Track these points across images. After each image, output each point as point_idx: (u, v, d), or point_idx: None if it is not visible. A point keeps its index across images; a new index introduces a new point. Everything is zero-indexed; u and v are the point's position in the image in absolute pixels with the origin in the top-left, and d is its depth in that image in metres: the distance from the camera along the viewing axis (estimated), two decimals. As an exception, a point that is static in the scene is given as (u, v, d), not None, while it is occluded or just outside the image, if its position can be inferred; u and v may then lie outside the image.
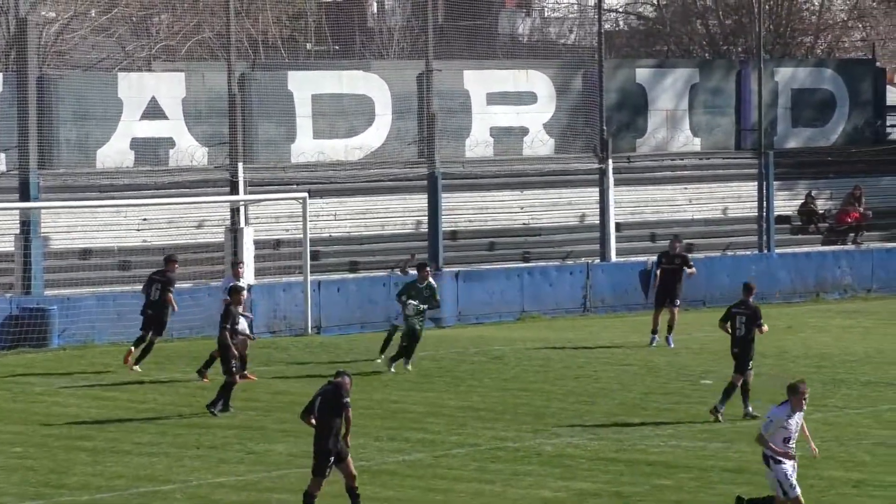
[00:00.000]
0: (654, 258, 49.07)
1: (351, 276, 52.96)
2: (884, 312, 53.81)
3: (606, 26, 68.26)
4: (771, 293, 56.12)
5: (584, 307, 53.21)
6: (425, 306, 42.08)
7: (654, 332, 45.63)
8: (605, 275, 55.72)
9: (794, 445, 24.55)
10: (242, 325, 39.31)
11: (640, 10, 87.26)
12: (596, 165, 56.86)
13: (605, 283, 55.61)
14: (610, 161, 56.88)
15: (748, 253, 59.32)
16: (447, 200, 54.91)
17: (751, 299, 36.34)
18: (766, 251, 59.22)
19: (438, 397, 38.29)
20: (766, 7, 72.77)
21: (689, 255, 48.85)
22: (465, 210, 57.47)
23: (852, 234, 61.91)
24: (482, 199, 58.43)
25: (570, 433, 34.23)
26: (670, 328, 45.54)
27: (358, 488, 25.36)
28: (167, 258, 43.05)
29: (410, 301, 41.63)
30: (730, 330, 35.51)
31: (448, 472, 27.95)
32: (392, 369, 41.64)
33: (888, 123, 70.89)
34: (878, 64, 72.99)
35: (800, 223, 62.65)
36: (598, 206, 57.01)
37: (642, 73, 65.12)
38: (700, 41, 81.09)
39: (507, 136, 61.19)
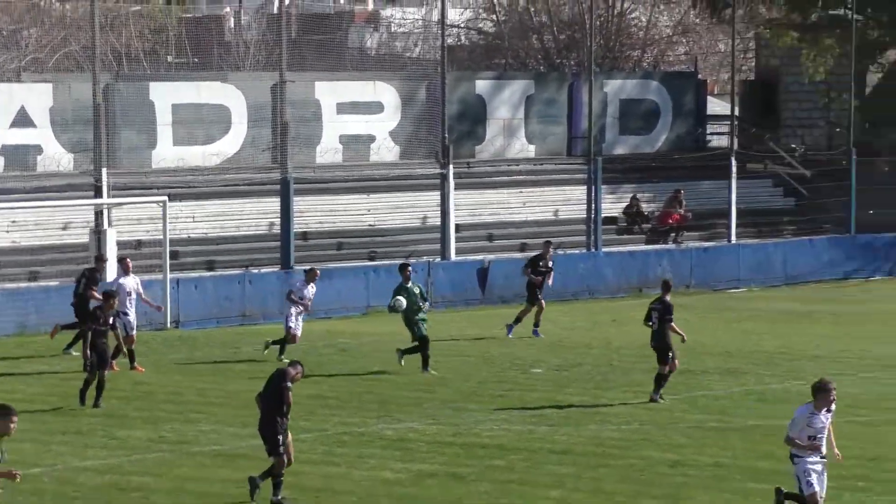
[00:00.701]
0: (525, 259, 49.40)
1: (208, 274, 52.84)
2: (700, 307, 54.02)
3: (449, 41, 68.52)
4: (597, 289, 57.11)
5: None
6: (426, 303, 41.84)
7: (517, 322, 46.13)
8: (445, 273, 55.75)
9: (822, 443, 23.34)
10: (131, 319, 40.59)
11: (481, 25, 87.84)
12: (437, 171, 57.02)
13: (445, 280, 55.57)
14: (451, 167, 57.04)
15: (577, 252, 59.26)
16: (298, 203, 54.81)
17: (667, 296, 36.52)
18: (593, 250, 59.38)
19: (290, 387, 38.00)
20: (598, 23, 73.66)
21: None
22: (315, 212, 57.43)
23: (673, 234, 62.64)
24: (332, 202, 58.51)
25: (410, 419, 34.39)
26: (537, 322, 46.00)
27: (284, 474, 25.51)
28: (97, 257, 44.00)
29: (399, 297, 40.57)
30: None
31: (298, 455, 27.47)
32: (402, 363, 40.78)
33: (708, 132, 72.05)
34: (699, 76, 74.30)
35: (625, 224, 63.08)
36: (439, 208, 57.23)
37: (482, 85, 65.69)
38: (536, 55, 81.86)
39: (356, 143, 61.54)
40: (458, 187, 57.71)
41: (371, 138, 61.58)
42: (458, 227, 57.52)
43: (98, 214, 51.01)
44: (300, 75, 60.61)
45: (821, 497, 23.14)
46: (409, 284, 41.33)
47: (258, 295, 51.23)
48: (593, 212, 59.44)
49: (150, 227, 52.16)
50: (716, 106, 75.46)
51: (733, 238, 61.92)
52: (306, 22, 76.08)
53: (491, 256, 56.43)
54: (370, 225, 58.62)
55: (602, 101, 65.48)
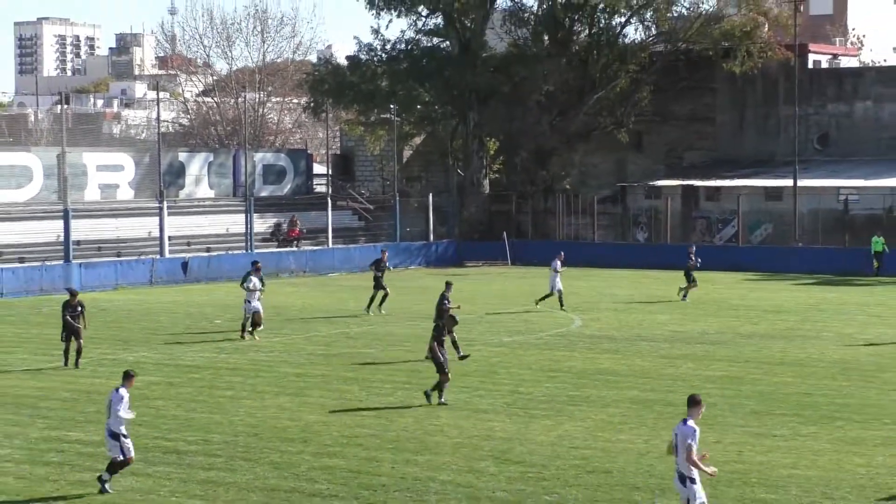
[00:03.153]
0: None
1: (23, 265, 49.86)
2: (310, 284, 52.97)
3: (162, 129, 68.88)
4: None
5: None
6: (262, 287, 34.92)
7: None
8: (162, 265, 52.75)
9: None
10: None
11: (181, 121, 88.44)
12: (157, 204, 55.41)
13: (162, 269, 52.69)
14: (165, 202, 55.13)
15: (240, 253, 56.65)
16: (73, 224, 51.80)
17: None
18: (249, 251, 56.44)
19: None
20: (249, 119, 74.87)
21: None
22: (84, 230, 54.02)
23: (295, 242, 61.45)
24: (96, 223, 55.95)
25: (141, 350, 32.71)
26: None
27: None
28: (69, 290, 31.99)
29: (252, 278, 34.57)
30: None
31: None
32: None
33: (314, 183, 72.44)
34: (308, 151, 74.67)
35: (269, 236, 62.02)
36: (158, 226, 54.81)
37: (182, 155, 65.16)
38: (213, 138, 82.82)
39: (108, 189, 59.99)
40: (169, 214, 56.28)
41: (117, 185, 60.92)
42: (169, 238, 55.87)
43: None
44: (75, 149, 60.19)
45: None
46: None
47: (49, 278, 49.24)
48: (249, 229, 58.44)
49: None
50: (318, 168, 76.66)
51: (330, 244, 61.03)
52: (77, 118, 75.95)
53: (190, 255, 55.41)
54: (118, 237, 56.84)
55: (252, 165, 65.39)
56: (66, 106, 65.67)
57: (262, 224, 62.47)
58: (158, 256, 54.51)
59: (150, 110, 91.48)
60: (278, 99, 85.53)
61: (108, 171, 60.88)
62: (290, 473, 19.18)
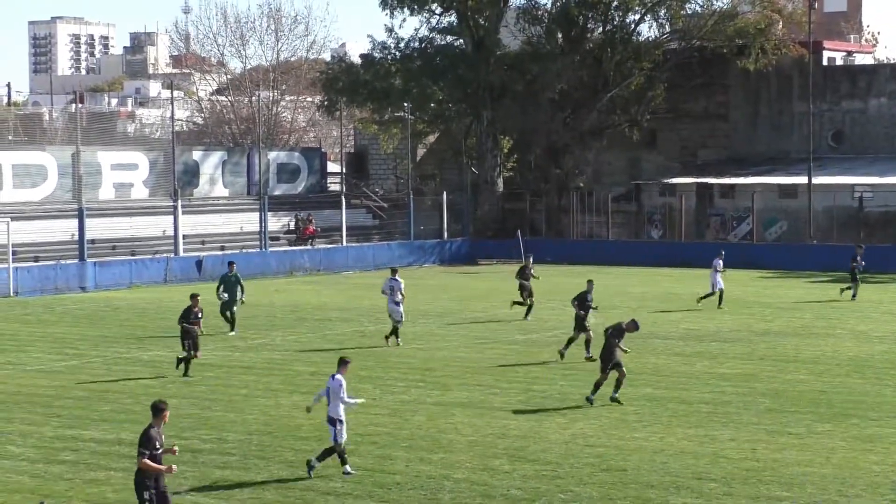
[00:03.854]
0: None
1: (38, 264, 50.15)
2: (324, 283, 53.19)
3: (176, 128, 69.20)
4: (266, 273, 55.13)
5: None
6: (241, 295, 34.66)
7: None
8: (177, 263, 52.66)
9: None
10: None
11: (195, 119, 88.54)
12: (171, 203, 55.58)
13: (177, 267, 52.52)
14: (179, 201, 55.66)
15: (253, 251, 57.24)
16: (88, 223, 52.33)
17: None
18: (263, 249, 57.27)
19: None
20: (263, 118, 75.10)
21: None
22: (99, 228, 54.51)
23: (309, 240, 61.57)
24: (111, 221, 56.16)
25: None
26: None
27: None
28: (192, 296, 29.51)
29: (224, 293, 34.45)
30: None
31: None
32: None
33: (328, 182, 73.21)
34: (322, 150, 75.39)
35: (284, 234, 62.49)
36: (172, 224, 55.00)
37: (196, 154, 65.43)
38: (227, 137, 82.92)
39: (122, 188, 60.34)
40: (183, 213, 56.63)
41: (132, 184, 61.24)
42: (183, 237, 56.22)
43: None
44: (89, 148, 60.61)
45: None
46: (232, 273, 35.06)
47: (64, 276, 49.48)
48: (263, 227, 58.51)
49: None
50: (332, 166, 76.90)
51: (344, 243, 61.19)
52: (92, 117, 76.11)
53: (205, 254, 55.44)
54: (132, 236, 57.09)
55: (266, 164, 65.86)
56: (80, 105, 65.86)
57: (277, 223, 62.66)
58: (173, 255, 54.64)
59: (164, 109, 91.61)
60: (292, 97, 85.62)
61: (123, 170, 61.19)
62: (304, 472, 19.12)
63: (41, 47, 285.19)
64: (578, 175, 69.01)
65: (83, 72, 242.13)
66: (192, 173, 63.79)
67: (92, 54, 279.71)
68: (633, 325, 24.74)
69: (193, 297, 28.92)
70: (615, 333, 24.39)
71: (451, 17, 68.06)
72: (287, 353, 31.99)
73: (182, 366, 28.30)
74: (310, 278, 55.64)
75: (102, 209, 57.10)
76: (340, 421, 18.72)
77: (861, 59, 75.33)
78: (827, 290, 47.51)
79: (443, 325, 37.70)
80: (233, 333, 34.65)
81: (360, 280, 54.33)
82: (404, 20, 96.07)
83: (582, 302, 30.48)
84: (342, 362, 19.22)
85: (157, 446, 15.15)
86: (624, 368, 24.42)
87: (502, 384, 26.99)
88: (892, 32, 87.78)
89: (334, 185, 72.21)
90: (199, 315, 28.61)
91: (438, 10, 67.79)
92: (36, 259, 51.87)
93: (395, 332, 32.97)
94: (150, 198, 61.12)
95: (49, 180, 57.84)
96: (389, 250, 62.26)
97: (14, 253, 49.14)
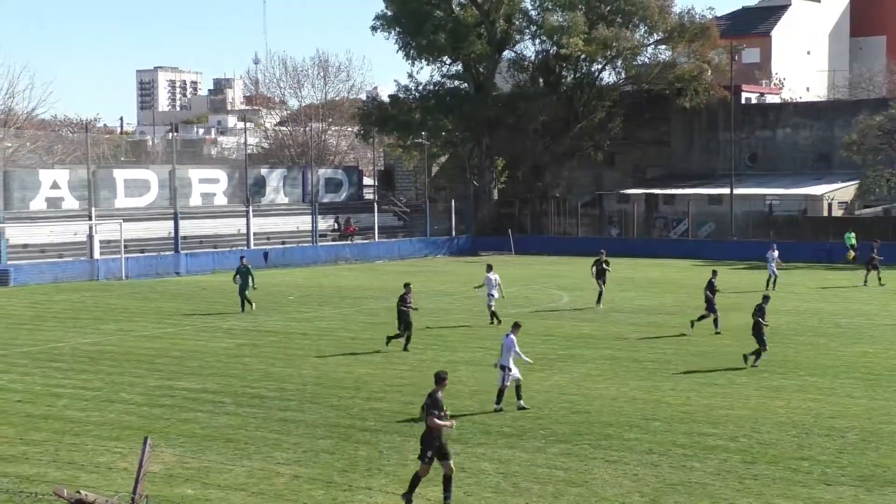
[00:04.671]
0: None
1: (144, 255, 50.09)
2: (360, 270, 53.28)
3: (249, 150, 68.95)
4: (317, 261, 54.78)
5: None
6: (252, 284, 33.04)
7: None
8: (248, 255, 49.20)
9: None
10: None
11: (262, 145, 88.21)
12: (244, 208, 55.38)
13: (249, 257, 50.18)
14: (251, 207, 55.37)
15: (307, 245, 56.92)
16: (182, 224, 52.35)
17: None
18: (315, 244, 57.33)
19: None
20: (314, 143, 74.71)
21: None
22: (191, 228, 53.98)
23: (350, 237, 60.87)
24: (199, 223, 55.39)
25: None
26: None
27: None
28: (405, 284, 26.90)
29: (238, 279, 33.19)
30: None
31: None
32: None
33: (364, 192, 72.27)
34: (359, 168, 75.06)
35: (331, 232, 61.56)
36: (245, 225, 55.18)
37: (264, 171, 64.53)
38: (287, 158, 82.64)
39: (208, 197, 59.58)
40: (254, 216, 56.50)
41: (214, 194, 60.74)
42: (254, 234, 56.09)
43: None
44: (182, 166, 60.33)
45: None
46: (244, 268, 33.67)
47: (163, 264, 49.14)
48: (314, 226, 58.77)
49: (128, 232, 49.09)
50: (367, 180, 76.59)
51: (376, 239, 60.96)
52: (184, 143, 76.10)
53: (269, 247, 55.12)
54: (215, 233, 56.37)
55: (317, 179, 65.36)
56: (175, 134, 66.10)
57: (324, 223, 62.26)
58: (246, 248, 54.59)
59: (239, 137, 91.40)
60: (336, 128, 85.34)
61: (208, 184, 60.86)
62: (346, 413, 19.13)
63: (146, 90, 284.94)
64: (555, 187, 68.96)
65: (178, 108, 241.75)
66: (260, 185, 63.49)
67: (185, 95, 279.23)
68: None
69: (406, 285, 26.46)
70: None
71: (458, 66, 67.99)
72: (333, 322, 31.97)
73: (398, 340, 25.76)
74: (350, 266, 55.65)
75: (192, 213, 57.06)
76: (508, 368, 18.64)
77: (771, 99, 75.05)
78: (744, 276, 47.34)
79: (451, 301, 37.60)
80: (243, 313, 32.90)
81: (389, 267, 53.96)
82: (422, 68, 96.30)
83: (710, 287, 28.35)
84: (516, 325, 19.26)
85: (443, 408, 13.60)
86: None
87: (497, 347, 26.87)
88: (794, 79, 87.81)
89: (369, 195, 71.83)
90: (410, 301, 25.85)
91: (448, 61, 67.75)
92: (142, 251, 51.89)
93: (493, 315, 29.86)
94: (229, 204, 60.80)
95: (151, 191, 57.72)
96: (411, 244, 61.98)
97: (125, 246, 49.30)
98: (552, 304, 36.35)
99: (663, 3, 65.60)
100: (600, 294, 34.83)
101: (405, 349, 25.66)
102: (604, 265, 35.10)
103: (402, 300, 26.08)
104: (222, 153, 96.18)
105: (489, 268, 31.35)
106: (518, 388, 18.95)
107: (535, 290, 40.64)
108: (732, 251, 56.88)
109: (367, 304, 36.88)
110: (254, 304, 33.92)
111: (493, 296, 30.33)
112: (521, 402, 19.01)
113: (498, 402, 18.90)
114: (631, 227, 63.77)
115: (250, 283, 34.12)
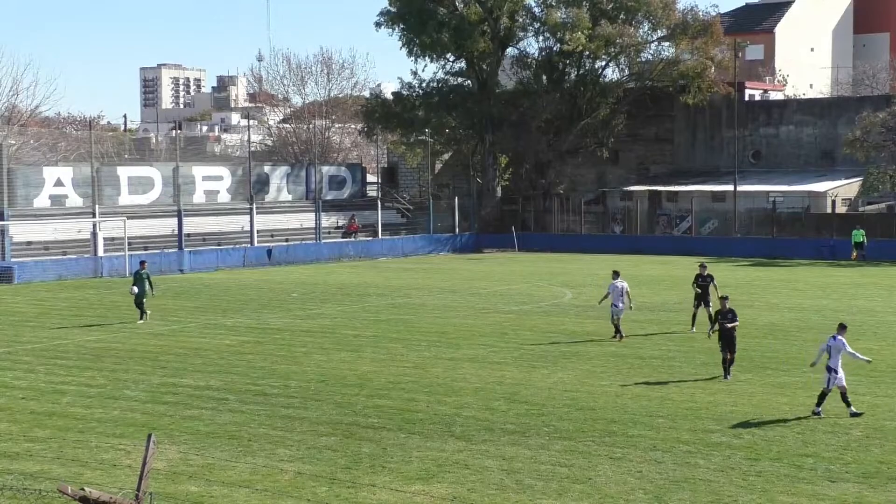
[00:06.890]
0: None
1: (147, 252, 48.92)
2: (362, 267, 53.70)
3: (253, 148, 68.93)
4: (319, 259, 54.69)
5: None
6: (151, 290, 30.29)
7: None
8: (251, 252, 51.92)
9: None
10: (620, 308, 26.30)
11: (265, 142, 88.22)
12: (247, 206, 55.05)
13: (251, 255, 51.73)
14: (254, 204, 55.06)
15: (310, 242, 56.64)
16: (186, 221, 51.89)
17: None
18: (318, 241, 57.12)
19: None
20: (317, 140, 74.75)
21: None
22: (195, 225, 53.64)
23: (353, 234, 61.06)
24: (200, 221, 54.95)
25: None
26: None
27: None
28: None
29: (134, 287, 30.33)
30: None
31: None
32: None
33: (368, 189, 71.69)
34: (363, 165, 74.65)
35: (335, 229, 61.34)
36: (249, 222, 54.80)
37: (267, 169, 64.41)
38: (290, 155, 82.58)
39: (211, 195, 59.53)
40: (257, 213, 56.25)
41: (218, 191, 60.62)
42: (257, 231, 55.80)
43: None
44: (185, 164, 60.24)
45: None
46: (144, 272, 30.42)
47: (167, 261, 48.92)
48: (318, 224, 58.47)
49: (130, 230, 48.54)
50: (370, 177, 76.39)
51: (380, 236, 60.82)
52: (188, 140, 76.01)
53: (273, 244, 55.06)
54: (218, 231, 56.25)
55: (320, 176, 64.96)
56: (179, 131, 66.07)
57: (328, 221, 62.11)
58: (249, 245, 54.53)
59: (242, 134, 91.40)
60: (340, 125, 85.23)
61: (211, 181, 60.74)
62: (349, 411, 19.06)
63: (149, 87, 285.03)
64: (559, 184, 68.76)
65: (181, 106, 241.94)
66: (263, 183, 63.35)
67: (188, 92, 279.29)
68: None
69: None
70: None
71: (461, 64, 67.88)
72: (336, 320, 31.89)
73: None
74: (353, 263, 55.54)
75: (195, 210, 56.78)
76: (835, 371, 17.94)
77: (774, 96, 74.91)
78: (748, 272, 47.30)
79: (454, 298, 37.59)
80: (141, 322, 30.42)
81: (392, 265, 53.78)
82: (425, 66, 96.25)
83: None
84: (842, 327, 18.40)
85: None
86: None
87: (500, 344, 26.88)
88: (798, 76, 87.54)
89: (372, 192, 71.78)
90: (711, 280, 24.20)
91: (451, 58, 67.61)
92: (145, 248, 51.64)
93: (617, 330, 26.45)
94: (232, 202, 60.64)
95: (155, 188, 57.64)
96: (414, 242, 61.79)
97: (129, 243, 49.10)
98: (556, 301, 36.34)
99: (667, -1, 65.52)
100: (695, 317, 28.06)
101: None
102: (707, 279, 27.90)
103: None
104: (226, 150, 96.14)
105: (615, 274, 26.99)
106: (843, 395, 18.11)
107: (539, 286, 40.56)
108: (735, 248, 56.89)
109: (371, 301, 36.80)
110: (148, 314, 30.61)
111: (618, 307, 26.28)
112: (852, 408, 18.08)
113: (818, 405, 18.14)
114: (634, 224, 63.72)
115: (148, 290, 30.62)
